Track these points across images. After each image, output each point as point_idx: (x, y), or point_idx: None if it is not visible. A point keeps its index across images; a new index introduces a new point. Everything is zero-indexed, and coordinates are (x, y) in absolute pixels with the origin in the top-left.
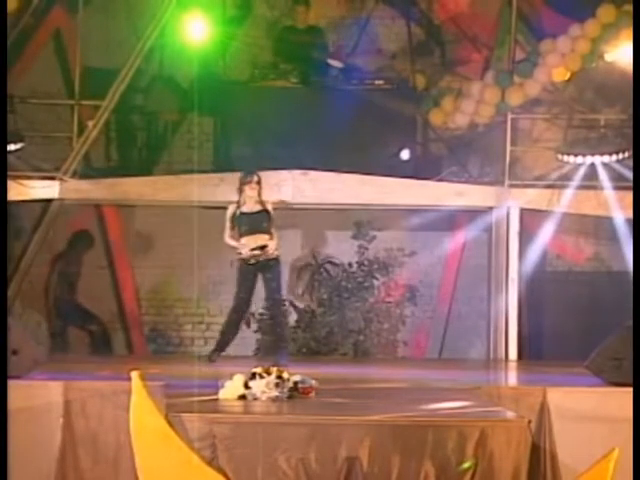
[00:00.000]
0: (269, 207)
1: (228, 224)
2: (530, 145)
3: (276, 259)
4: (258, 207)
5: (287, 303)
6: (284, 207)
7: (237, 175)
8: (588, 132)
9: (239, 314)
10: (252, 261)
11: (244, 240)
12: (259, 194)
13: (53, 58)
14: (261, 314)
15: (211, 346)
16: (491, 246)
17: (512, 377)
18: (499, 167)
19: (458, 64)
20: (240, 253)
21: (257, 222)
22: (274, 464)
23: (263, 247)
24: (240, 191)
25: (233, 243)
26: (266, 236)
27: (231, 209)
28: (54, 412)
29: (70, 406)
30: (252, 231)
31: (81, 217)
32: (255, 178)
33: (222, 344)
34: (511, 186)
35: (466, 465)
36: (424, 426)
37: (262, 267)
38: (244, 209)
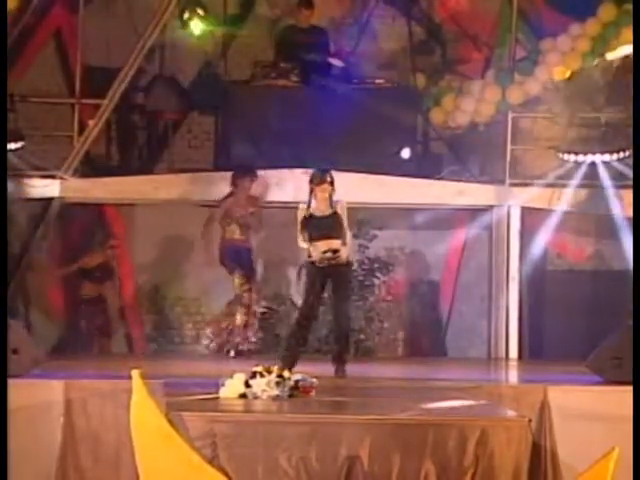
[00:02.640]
0: (340, 210)
1: (299, 227)
2: (531, 144)
3: (347, 265)
4: (329, 210)
5: (288, 302)
6: (284, 206)
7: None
8: (589, 131)
9: (306, 323)
10: (323, 264)
11: (314, 245)
12: (330, 196)
13: (54, 57)
14: (263, 313)
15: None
16: (492, 245)
17: (513, 376)
18: (500, 166)
19: (459, 63)
20: (310, 256)
21: (328, 227)
22: (275, 463)
23: (335, 251)
24: (310, 191)
25: (306, 246)
26: (338, 241)
27: (301, 211)
28: (55, 411)
29: (71, 405)
30: (322, 237)
31: None
32: (327, 178)
33: (289, 359)
34: (512, 185)
35: None
36: (425, 425)
37: (332, 273)
38: (315, 212)
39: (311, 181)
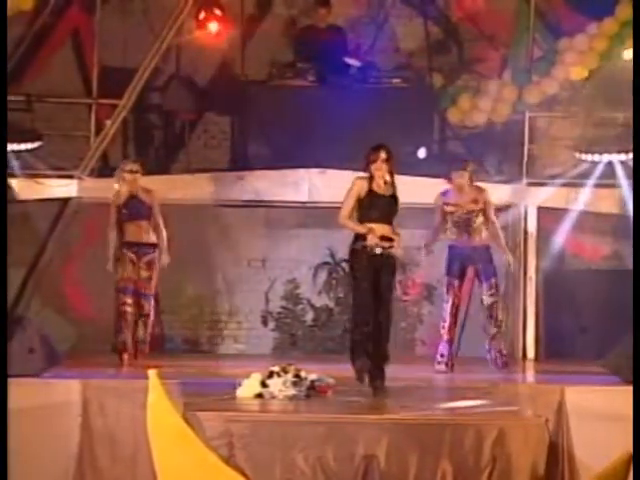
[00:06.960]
0: (397, 193)
1: (351, 202)
2: (548, 143)
3: (394, 259)
4: (390, 190)
5: (305, 302)
6: (301, 206)
7: (254, 174)
8: (606, 130)
9: (367, 329)
10: (377, 251)
11: (370, 228)
12: (390, 173)
13: (71, 57)
14: (279, 312)
15: (227, 345)
16: (508, 244)
17: (530, 376)
18: (516, 165)
19: (475, 62)
20: (364, 239)
21: (387, 209)
22: (292, 462)
23: (390, 239)
24: (367, 171)
25: (356, 227)
26: (391, 228)
27: (360, 185)
28: (72, 410)
29: (88, 405)
30: (381, 219)
31: None
32: (382, 155)
33: (360, 374)
34: (529, 184)
35: None
36: (441, 425)
37: (383, 264)
38: (375, 188)
39: (366, 158)
